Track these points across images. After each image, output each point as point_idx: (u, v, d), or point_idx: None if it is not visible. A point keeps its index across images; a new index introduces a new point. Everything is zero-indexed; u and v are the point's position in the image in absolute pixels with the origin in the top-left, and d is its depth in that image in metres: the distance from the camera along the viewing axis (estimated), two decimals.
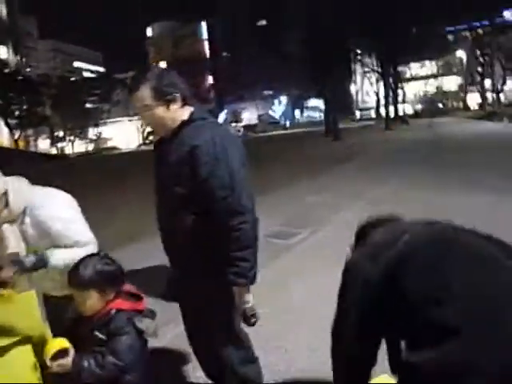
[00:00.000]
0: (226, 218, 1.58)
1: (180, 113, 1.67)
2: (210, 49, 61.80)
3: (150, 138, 53.22)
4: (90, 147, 64.41)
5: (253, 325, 2.88)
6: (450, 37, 48.36)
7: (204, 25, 61.47)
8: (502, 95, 46.20)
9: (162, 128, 1.69)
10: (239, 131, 42.90)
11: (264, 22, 39.27)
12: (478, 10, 34.66)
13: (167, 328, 2.69)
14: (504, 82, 44.63)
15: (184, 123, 1.67)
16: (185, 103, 1.68)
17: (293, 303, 3.18)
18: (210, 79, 62.55)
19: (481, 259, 1.05)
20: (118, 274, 1.64)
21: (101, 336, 1.54)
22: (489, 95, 48.72)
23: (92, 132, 64.69)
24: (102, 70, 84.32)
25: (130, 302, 1.62)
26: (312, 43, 27.32)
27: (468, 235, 1.16)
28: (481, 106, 47.61)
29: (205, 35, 63.24)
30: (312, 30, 27.31)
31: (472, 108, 51.65)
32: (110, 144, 64.49)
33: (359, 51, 37.55)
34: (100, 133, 65.82)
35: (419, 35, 34.16)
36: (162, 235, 1.81)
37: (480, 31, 44.83)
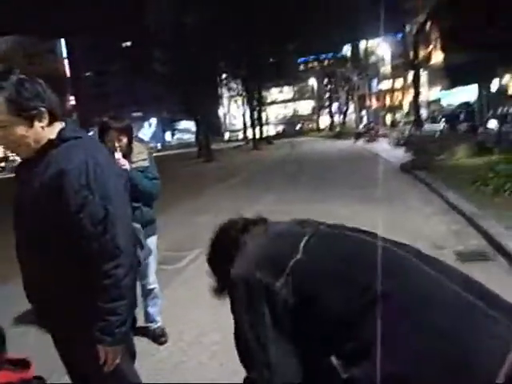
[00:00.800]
0: (96, 260, 1.31)
1: (47, 131, 1.37)
2: (71, 68, 57.88)
3: (2, 164, 46.84)
4: None
5: (162, 344, 2.98)
6: (302, 66, 54.59)
7: (63, 42, 57.46)
8: (347, 118, 53.52)
9: (23, 149, 1.38)
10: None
11: (129, 43, 38.57)
12: (323, 44, 39.97)
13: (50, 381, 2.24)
14: (347, 107, 51.82)
15: (52, 143, 1.37)
16: (53, 119, 1.38)
17: (190, 334, 3.09)
18: (72, 99, 58.34)
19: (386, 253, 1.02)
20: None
21: None
22: (336, 117, 56.00)
23: None
24: None
25: (17, 372, 1.26)
26: (180, 66, 28.01)
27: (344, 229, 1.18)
28: (330, 126, 54.40)
29: (64, 53, 59.07)
30: (179, 53, 28.03)
31: (323, 128, 58.65)
32: None
33: (225, 75, 39.71)
34: None
35: (277, 63, 37.96)
36: (23, 279, 1.49)
37: (326, 62, 51.56)
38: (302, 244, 1.07)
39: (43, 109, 1.35)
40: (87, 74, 52.06)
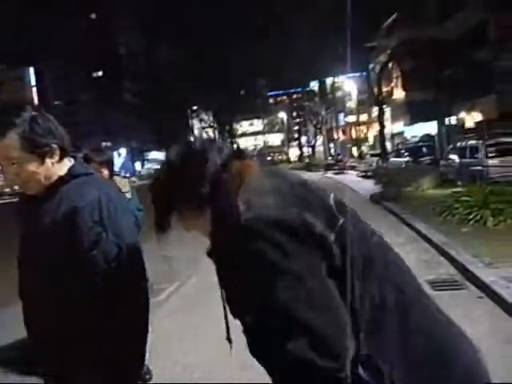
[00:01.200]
0: (109, 298, 1.28)
1: (57, 167, 1.36)
2: (39, 96, 56.85)
3: None
4: None
5: (146, 381, 2.91)
6: (272, 100, 56.24)
7: (32, 70, 56.55)
8: (315, 150, 54.98)
9: (33, 186, 1.36)
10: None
11: (100, 73, 38.67)
12: (292, 80, 41.50)
13: None
14: (316, 139, 53.33)
15: (62, 179, 1.36)
16: (63, 155, 1.37)
17: (173, 371, 3.03)
18: None
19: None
20: None
21: None
22: (305, 149, 57.44)
23: None
24: None
25: None
26: (151, 97, 28.23)
27: None
28: (299, 158, 55.64)
29: (33, 81, 58.04)
30: (151, 85, 28.31)
31: (293, 160, 59.91)
32: None
33: (196, 107, 40.32)
34: None
35: (246, 97, 39.06)
36: (26, 317, 1.44)
37: (294, 96, 53.38)
38: (332, 202, 0.89)
39: (55, 145, 1.34)
40: (56, 102, 51.21)
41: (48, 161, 1.34)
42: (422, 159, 18.26)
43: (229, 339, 1.05)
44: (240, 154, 1.00)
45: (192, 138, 1.06)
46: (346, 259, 0.83)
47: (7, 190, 45.23)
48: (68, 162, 1.40)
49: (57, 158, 1.35)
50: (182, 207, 0.99)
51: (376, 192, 11.67)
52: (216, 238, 0.94)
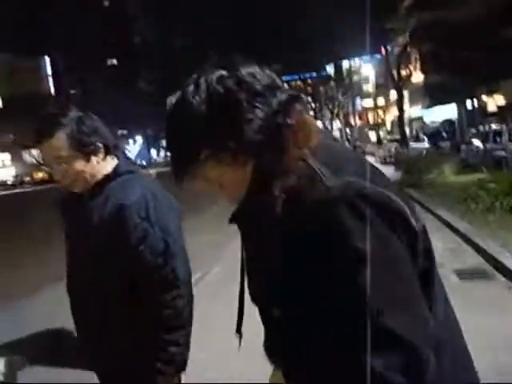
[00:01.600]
0: (156, 291, 1.33)
1: (102, 165, 1.41)
2: (55, 85, 57.37)
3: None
4: None
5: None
6: (287, 85, 55.61)
7: (47, 59, 56.88)
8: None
9: (80, 184, 1.41)
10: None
11: (115, 61, 38.85)
12: (307, 64, 40.92)
13: None
14: (332, 124, 52.75)
15: (107, 178, 1.42)
16: (107, 153, 1.42)
17: (205, 357, 2.89)
18: None
19: None
20: None
21: None
22: None
23: None
24: None
25: None
26: (165, 83, 28.29)
27: None
28: None
29: (49, 71, 58.41)
30: (165, 71, 28.34)
31: None
32: None
33: None
34: None
35: None
36: (74, 311, 1.51)
37: (309, 81, 52.66)
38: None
39: (100, 144, 1.40)
40: (72, 91, 51.79)
41: (94, 159, 1.39)
42: (442, 144, 17.93)
43: (239, 332, 0.89)
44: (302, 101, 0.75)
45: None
46: (426, 263, 0.71)
47: (27, 178, 46.40)
48: (111, 160, 1.45)
49: (101, 156, 1.41)
50: (214, 152, 0.72)
51: (397, 179, 11.56)
52: (264, 200, 0.69)
